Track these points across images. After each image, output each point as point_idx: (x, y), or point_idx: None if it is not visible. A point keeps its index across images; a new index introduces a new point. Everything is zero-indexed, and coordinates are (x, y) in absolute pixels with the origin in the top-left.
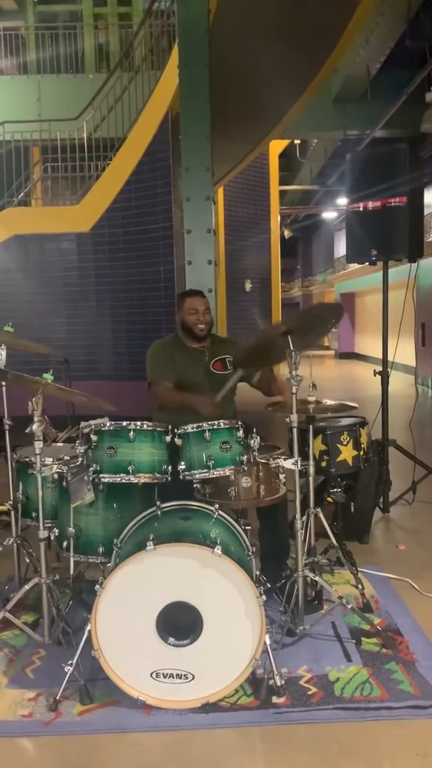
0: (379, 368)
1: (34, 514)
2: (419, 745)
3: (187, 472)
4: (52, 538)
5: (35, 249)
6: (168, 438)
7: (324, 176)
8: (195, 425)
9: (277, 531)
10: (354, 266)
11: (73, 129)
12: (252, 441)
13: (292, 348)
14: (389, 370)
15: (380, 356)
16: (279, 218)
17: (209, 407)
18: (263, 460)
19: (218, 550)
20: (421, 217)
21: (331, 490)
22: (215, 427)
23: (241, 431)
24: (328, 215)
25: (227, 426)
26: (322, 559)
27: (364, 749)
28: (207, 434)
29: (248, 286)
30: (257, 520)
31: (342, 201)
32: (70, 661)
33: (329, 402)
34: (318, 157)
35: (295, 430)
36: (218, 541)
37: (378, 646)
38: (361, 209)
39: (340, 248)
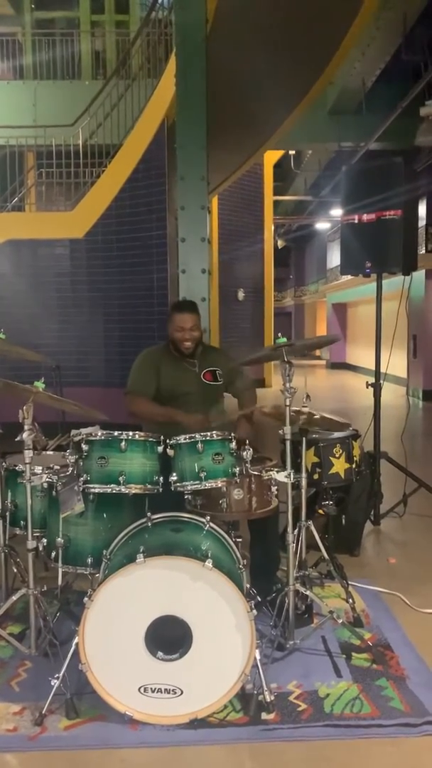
0: (371, 379)
1: (22, 522)
2: (410, 764)
3: (179, 484)
4: (40, 548)
5: (28, 254)
6: (160, 448)
7: (318, 187)
8: (188, 436)
9: (268, 543)
10: (346, 277)
11: (69, 135)
12: (245, 453)
13: (285, 359)
14: (382, 381)
15: (371, 367)
16: (273, 228)
17: (198, 425)
18: (256, 473)
19: (209, 563)
20: (415, 230)
21: (322, 503)
22: (208, 438)
23: (234, 443)
24: (322, 226)
25: (220, 437)
26: (312, 572)
27: None
28: (199, 445)
29: (241, 295)
30: (248, 531)
31: (335, 212)
32: (57, 675)
33: (323, 415)
34: (312, 168)
35: (288, 443)
36: (209, 554)
37: (368, 661)
38: (356, 221)
39: (333, 259)
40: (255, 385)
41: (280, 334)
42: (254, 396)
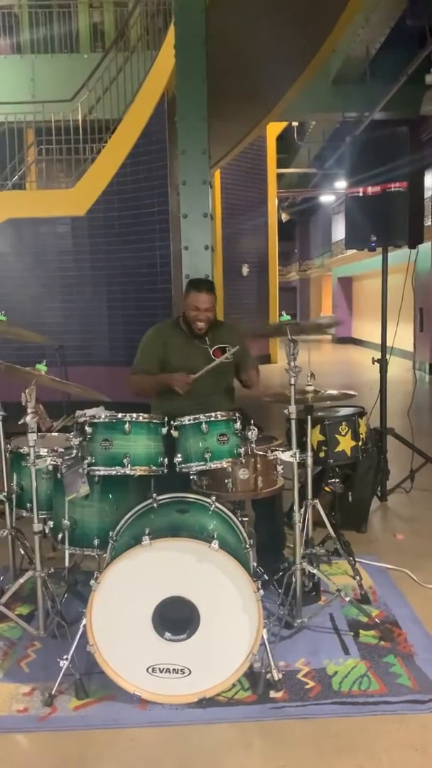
0: (377, 354)
1: (28, 504)
2: (417, 740)
3: (183, 465)
4: (46, 530)
5: (30, 233)
6: (164, 430)
7: (322, 159)
8: (192, 417)
9: (274, 522)
10: (352, 250)
11: (68, 110)
12: (250, 433)
13: (290, 337)
14: (388, 356)
15: (378, 341)
16: (276, 201)
17: (181, 384)
18: (261, 452)
19: (215, 544)
20: (421, 202)
21: (329, 481)
22: (212, 419)
23: (238, 423)
24: (326, 198)
25: (224, 418)
26: (319, 549)
27: (362, 745)
28: (204, 426)
29: (245, 270)
30: (252, 509)
31: (340, 184)
32: (66, 656)
33: (328, 392)
34: (316, 139)
35: (293, 422)
36: (215, 535)
37: (376, 638)
38: (360, 194)
39: (338, 232)
40: (258, 362)
41: (284, 312)
42: (258, 376)
